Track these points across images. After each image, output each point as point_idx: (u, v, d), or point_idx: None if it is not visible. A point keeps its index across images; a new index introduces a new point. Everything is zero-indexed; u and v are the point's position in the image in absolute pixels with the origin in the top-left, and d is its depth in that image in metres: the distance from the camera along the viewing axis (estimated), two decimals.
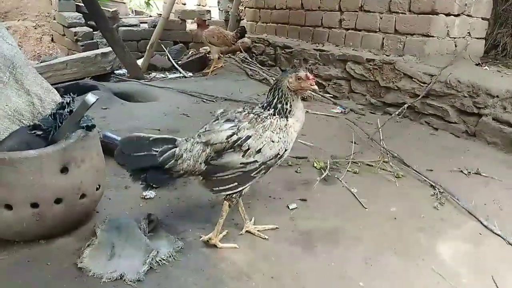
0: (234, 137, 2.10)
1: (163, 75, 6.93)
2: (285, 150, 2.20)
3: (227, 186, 2.16)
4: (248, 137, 2.10)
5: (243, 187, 2.18)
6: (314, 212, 2.73)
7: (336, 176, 3.27)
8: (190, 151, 2.13)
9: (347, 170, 3.35)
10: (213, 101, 5.28)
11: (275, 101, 2.20)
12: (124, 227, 2.24)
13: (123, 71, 6.65)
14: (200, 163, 2.13)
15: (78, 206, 2.22)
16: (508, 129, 3.88)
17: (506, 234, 2.51)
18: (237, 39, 6.73)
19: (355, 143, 3.91)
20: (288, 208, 2.75)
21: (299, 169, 3.36)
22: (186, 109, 4.85)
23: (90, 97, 2.13)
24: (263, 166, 2.15)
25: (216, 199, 2.70)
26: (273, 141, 2.13)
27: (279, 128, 2.16)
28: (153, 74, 6.93)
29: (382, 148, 3.77)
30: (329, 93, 5.90)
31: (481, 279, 2.15)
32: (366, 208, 2.81)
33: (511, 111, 3.87)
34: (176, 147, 2.15)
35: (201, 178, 2.20)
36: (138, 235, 2.18)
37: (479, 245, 2.45)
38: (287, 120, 2.19)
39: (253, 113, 2.20)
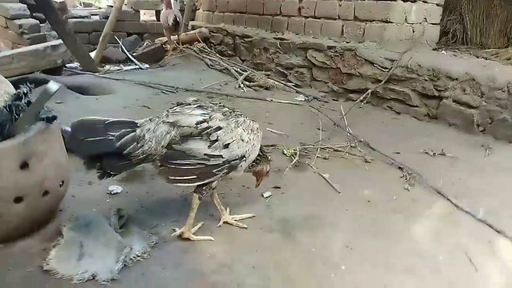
0: (204, 125, 2.00)
1: (118, 68, 6.67)
2: (250, 154, 2.17)
3: (184, 178, 2.00)
4: (219, 128, 2.01)
5: (202, 182, 2.04)
6: (289, 199, 2.70)
7: (306, 162, 3.26)
8: (153, 131, 1.97)
9: (317, 156, 3.36)
10: (174, 92, 5.13)
11: None
12: (93, 224, 2.13)
13: (76, 64, 6.33)
14: (163, 146, 1.97)
15: (41, 204, 2.06)
16: (468, 110, 4.02)
17: (474, 211, 2.58)
18: (174, 26, 6.56)
19: (322, 129, 3.92)
20: (263, 196, 2.71)
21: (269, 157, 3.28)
22: (146, 101, 4.69)
23: (52, 85, 1.95)
24: (226, 165, 2.05)
25: (188, 191, 2.60)
26: (242, 140, 2.08)
27: (251, 129, 2.15)
28: (107, 66, 6.65)
29: (348, 134, 3.80)
30: (291, 82, 5.91)
31: (456, 255, 2.20)
32: (339, 192, 2.82)
33: (470, 93, 4.01)
34: (134, 131, 1.97)
35: (159, 164, 2.00)
36: (109, 232, 2.08)
37: (451, 223, 2.51)
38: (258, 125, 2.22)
39: (228, 108, 2.17)
